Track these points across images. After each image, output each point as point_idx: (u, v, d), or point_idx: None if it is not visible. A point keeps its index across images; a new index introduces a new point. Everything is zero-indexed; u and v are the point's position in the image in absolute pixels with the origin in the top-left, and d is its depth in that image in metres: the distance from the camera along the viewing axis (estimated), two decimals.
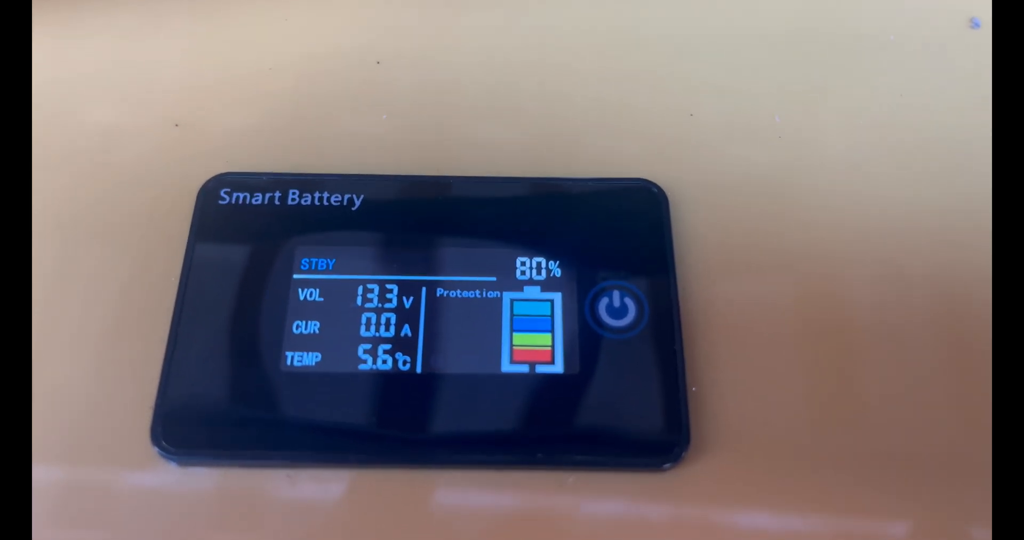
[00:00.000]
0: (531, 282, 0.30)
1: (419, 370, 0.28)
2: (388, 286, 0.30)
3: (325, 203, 0.31)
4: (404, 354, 0.29)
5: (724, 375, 0.29)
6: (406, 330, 0.29)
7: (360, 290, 0.30)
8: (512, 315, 0.29)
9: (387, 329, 0.29)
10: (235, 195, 0.31)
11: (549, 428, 0.28)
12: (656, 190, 0.32)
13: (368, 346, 0.29)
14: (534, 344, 0.29)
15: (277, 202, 0.31)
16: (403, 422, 0.28)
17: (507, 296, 0.30)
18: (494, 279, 0.30)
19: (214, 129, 0.34)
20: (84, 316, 0.30)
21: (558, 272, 0.30)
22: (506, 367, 0.29)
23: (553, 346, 0.29)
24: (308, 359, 0.29)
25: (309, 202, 0.31)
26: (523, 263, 0.30)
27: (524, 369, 0.29)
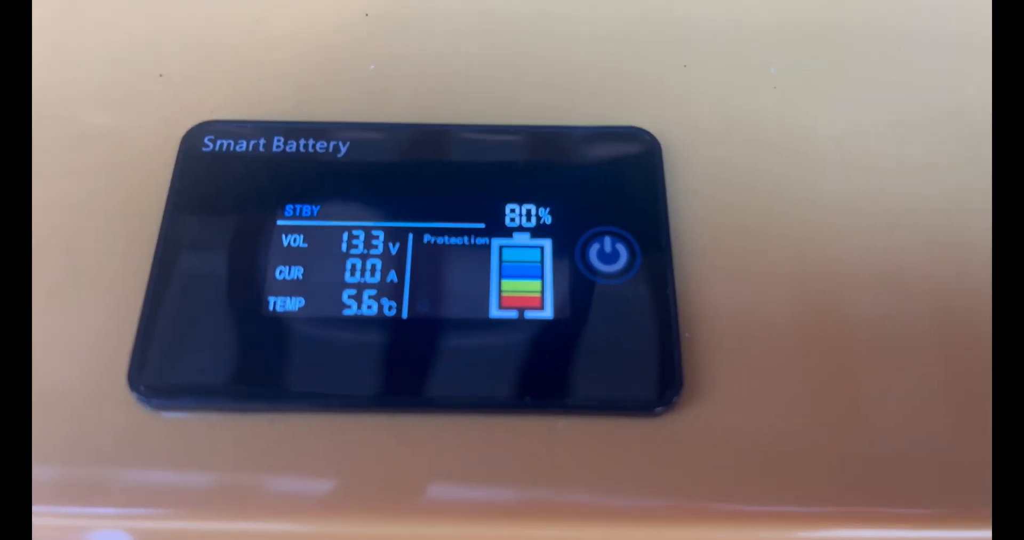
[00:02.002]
0: (521, 229, 0.29)
1: (405, 315, 0.28)
2: (374, 232, 0.29)
3: (310, 150, 0.31)
4: (390, 299, 0.28)
5: (717, 322, 0.28)
6: (392, 276, 0.28)
7: (345, 236, 0.29)
8: (501, 262, 0.29)
9: (372, 275, 0.28)
10: (219, 142, 0.31)
11: (539, 374, 0.27)
12: (648, 137, 0.31)
13: (353, 292, 0.28)
14: (524, 290, 0.28)
15: (262, 149, 0.31)
16: (389, 368, 0.27)
17: (496, 242, 0.29)
18: (483, 226, 0.29)
19: (199, 79, 0.33)
20: (65, 260, 0.29)
21: (548, 219, 0.30)
22: (494, 313, 0.28)
23: (543, 292, 0.28)
24: (291, 304, 0.28)
25: (294, 149, 0.31)
26: (512, 210, 0.30)
27: (513, 315, 0.28)
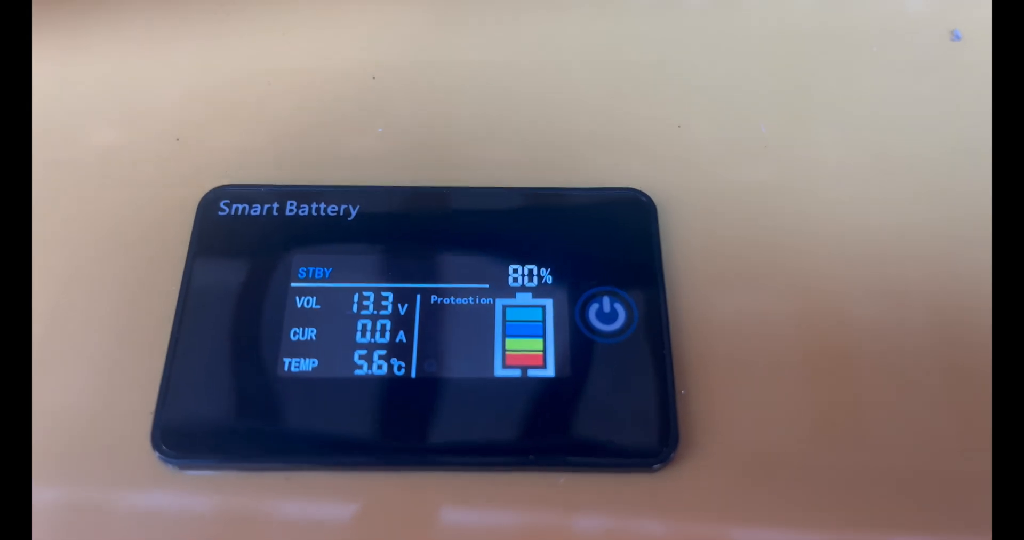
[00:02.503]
0: (523, 289, 0.31)
1: (414, 375, 0.29)
2: (383, 293, 0.31)
3: (322, 214, 0.32)
4: (399, 359, 0.29)
5: (712, 379, 0.30)
6: (401, 336, 0.30)
7: (356, 297, 0.30)
8: (505, 321, 0.30)
9: (382, 335, 0.30)
10: (234, 206, 0.32)
11: (542, 431, 0.28)
12: (645, 199, 0.33)
13: (364, 352, 0.29)
14: (526, 349, 0.30)
15: (275, 213, 0.32)
16: (398, 426, 0.28)
17: (500, 302, 0.31)
18: (487, 286, 0.31)
19: (214, 143, 0.35)
20: (87, 324, 0.30)
21: (549, 279, 0.31)
22: (499, 371, 0.29)
23: (545, 351, 0.30)
24: (305, 365, 0.29)
25: (307, 213, 0.32)
26: (515, 270, 0.31)
27: (517, 373, 0.29)
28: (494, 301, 0.31)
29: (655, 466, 0.28)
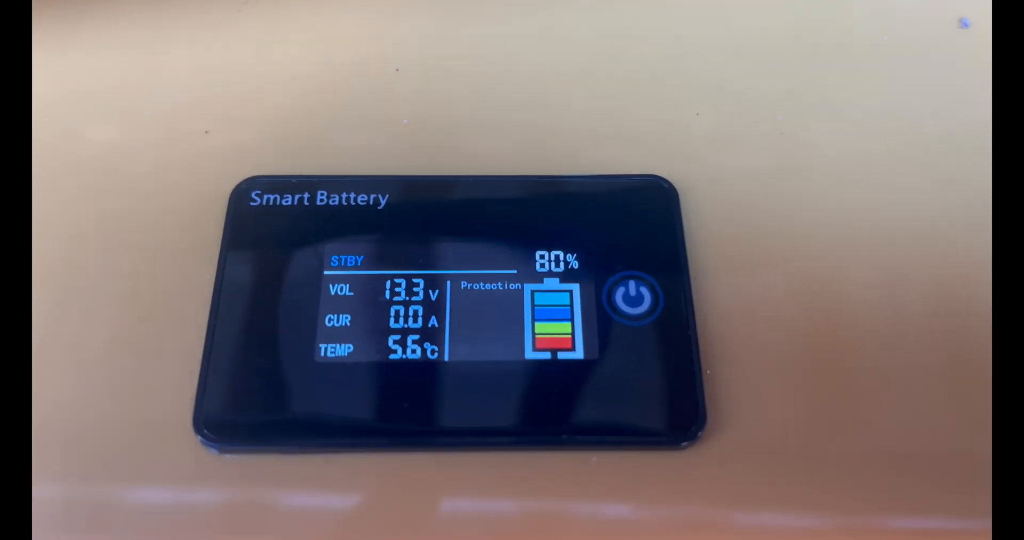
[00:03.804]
0: (550, 274, 0.32)
1: (447, 358, 0.30)
2: (415, 280, 0.31)
3: (352, 203, 0.33)
4: (432, 344, 0.30)
5: (736, 359, 0.31)
6: (433, 321, 0.31)
7: (388, 284, 0.31)
8: (533, 305, 0.31)
9: (415, 321, 0.31)
10: (266, 197, 0.33)
11: (572, 411, 0.29)
12: (667, 185, 0.34)
13: (397, 337, 0.30)
14: (555, 332, 0.31)
15: (307, 202, 0.33)
16: (433, 408, 0.29)
17: (528, 288, 0.31)
18: (515, 272, 0.32)
19: (243, 135, 0.35)
20: (127, 314, 0.31)
21: (575, 264, 0.32)
22: (529, 354, 0.30)
23: (573, 334, 0.31)
24: (341, 350, 0.30)
25: (337, 202, 0.33)
26: (542, 256, 0.32)
27: (547, 356, 0.30)
28: (523, 286, 0.31)
29: (683, 444, 0.29)
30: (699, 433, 0.29)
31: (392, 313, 0.31)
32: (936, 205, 0.34)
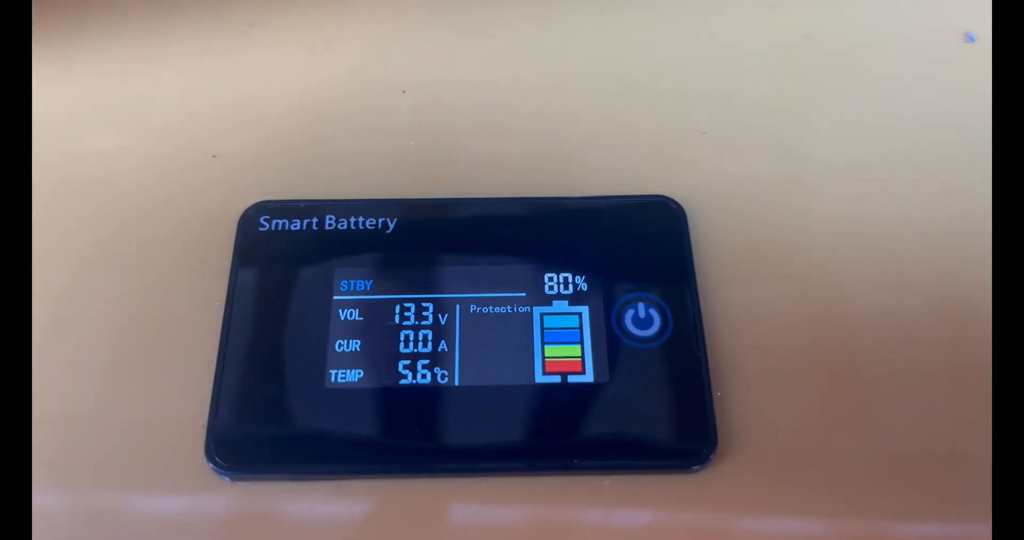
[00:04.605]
0: (559, 296, 0.32)
1: (457, 383, 0.30)
2: (424, 304, 0.31)
3: (360, 227, 0.33)
4: (442, 368, 0.30)
5: (747, 380, 0.31)
6: (443, 345, 0.31)
7: (397, 309, 0.31)
8: (543, 328, 0.31)
9: (425, 345, 0.31)
10: (274, 222, 0.33)
11: (583, 435, 0.29)
12: (674, 205, 0.34)
13: (408, 362, 0.30)
14: (565, 355, 0.31)
15: (315, 227, 0.33)
16: (444, 433, 0.29)
17: (537, 311, 0.31)
18: (524, 295, 0.32)
19: (249, 158, 0.35)
20: (137, 341, 0.31)
21: (584, 286, 0.32)
22: (539, 378, 0.30)
23: (583, 357, 0.31)
24: (351, 376, 0.30)
25: (345, 227, 0.33)
26: (551, 279, 0.32)
27: (556, 379, 0.30)
28: (531, 309, 0.31)
29: (695, 467, 0.29)
30: (711, 456, 0.29)
31: (402, 338, 0.31)
32: (942, 218, 0.34)
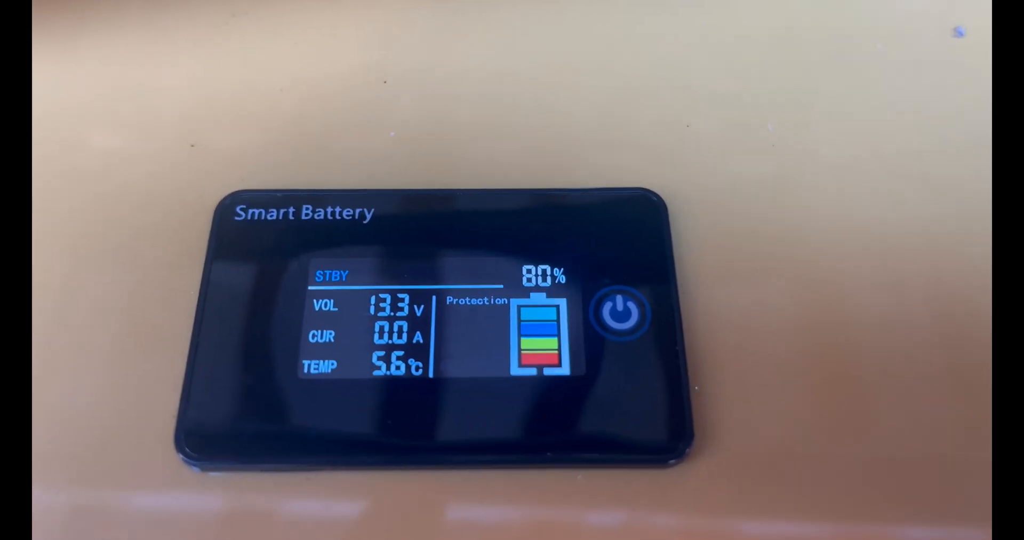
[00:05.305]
0: (537, 289, 0.31)
1: (431, 375, 0.30)
2: (400, 295, 0.31)
3: (337, 218, 0.33)
4: (417, 360, 0.30)
5: (725, 375, 0.30)
6: (418, 337, 0.30)
7: (373, 300, 0.31)
8: (520, 321, 0.31)
9: (399, 336, 0.30)
10: (251, 211, 0.33)
11: (558, 428, 0.29)
12: (655, 198, 0.33)
13: (382, 353, 0.30)
14: (541, 348, 0.30)
15: (291, 217, 0.33)
16: (417, 425, 0.29)
17: (514, 302, 0.31)
18: (501, 287, 0.31)
19: (228, 148, 0.35)
20: (108, 330, 0.31)
21: (563, 279, 0.32)
22: (515, 370, 0.30)
23: (560, 349, 0.30)
24: (324, 367, 0.30)
25: (322, 217, 0.33)
26: (529, 271, 0.32)
27: (532, 372, 0.30)
28: (509, 301, 0.31)
29: (670, 462, 0.28)
30: (687, 450, 0.28)
31: (376, 329, 0.30)
32: (930, 215, 0.34)
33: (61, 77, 0.37)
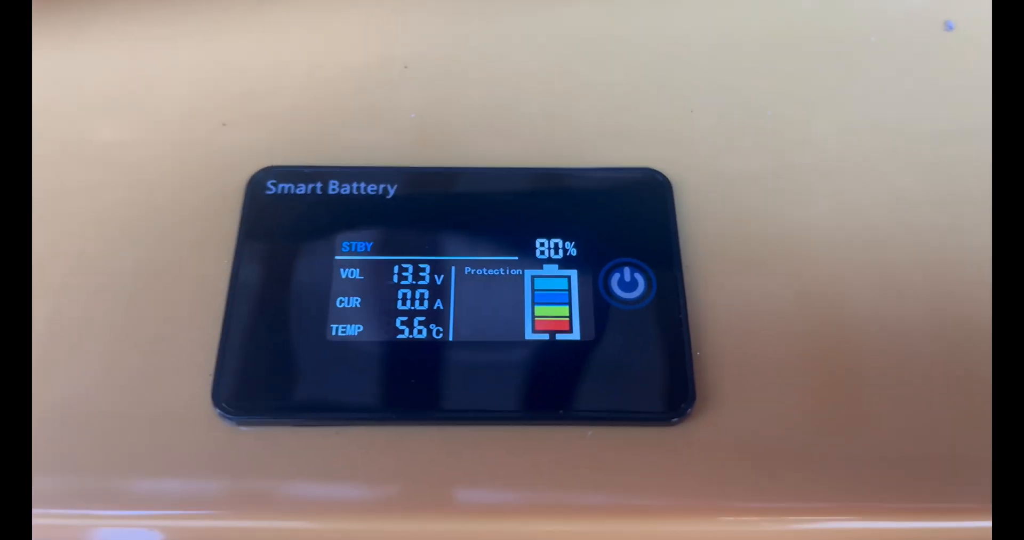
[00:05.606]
0: (549, 261, 0.33)
1: (451, 338, 0.32)
2: (421, 266, 0.33)
3: (362, 193, 0.35)
4: (437, 325, 0.32)
5: (725, 340, 0.32)
6: (438, 304, 0.32)
7: (396, 269, 0.33)
8: (533, 290, 0.33)
9: (421, 303, 0.32)
10: (281, 186, 0.35)
11: (569, 388, 0.31)
12: (661, 178, 0.35)
13: (405, 318, 0.32)
14: (554, 315, 0.32)
15: (319, 192, 0.35)
16: (437, 384, 0.31)
17: (528, 273, 0.33)
18: (516, 258, 0.33)
19: (259, 127, 0.37)
20: (151, 296, 0.33)
21: (573, 252, 0.34)
22: (529, 335, 0.32)
23: (571, 316, 0.32)
24: (351, 330, 0.32)
25: (348, 191, 0.35)
26: (542, 244, 0.34)
27: (545, 337, 0.32)
28: (523, 272, 0.33)
29: (674, 420, 0.31)
30: (688, 410, 0.31)
31: (400, 296, 0.32)
32: (930, 201, 0.36)
33: (94, 63, 0.39)
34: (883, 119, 0.38)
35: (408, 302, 0.32)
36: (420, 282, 0.33)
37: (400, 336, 0.32)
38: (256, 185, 0.35)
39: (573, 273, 0.33)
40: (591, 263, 0.33)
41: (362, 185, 0.35)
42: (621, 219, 0.34)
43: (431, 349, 0.32)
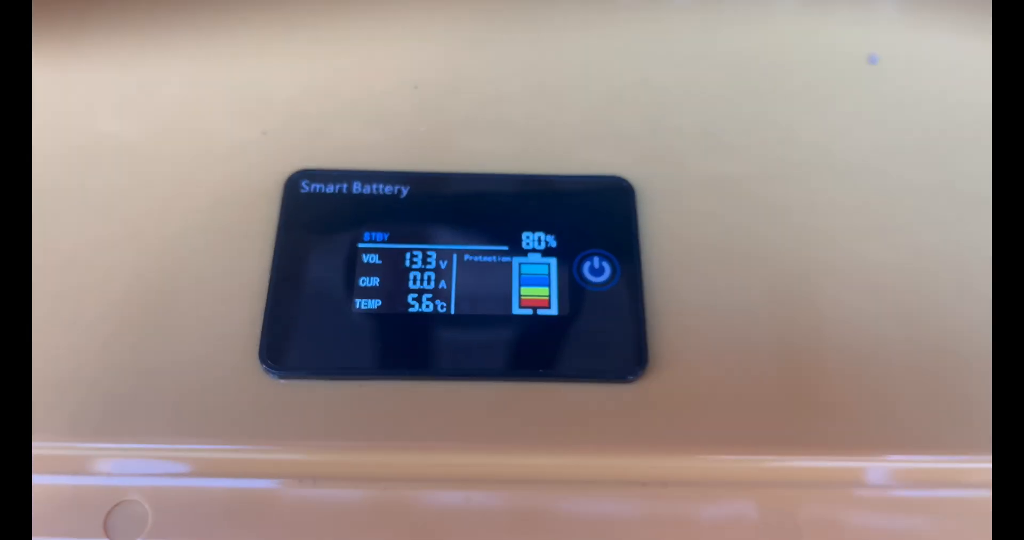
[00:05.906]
0: (533, 250, 0.41)
1: (453, 312, 0.39)
2: (428, 253, 0.40)
3: (380, 193, 0.42)
4: (442, 301, 0.39)
5: (677, 317, 0.39)
6: (443, 284, 0.40)
7: (408, 255, 0.40)
8: (520, 274, 0.40)
9: (428, 283, 0.40)
10: (313, 186, 0.42)
11: (548, 353, 0.38)
12: (626, 184, 0.43)
13: (415, 295, 0.39)
14: (536, 295, 0.40)
15: (344, 191, 0.42)
16: (441, 348, 0.38)
17: (516, 260, 0.40)
18: (506, 248, 0.41)
19: (294, 136, 0.44)
20: (209, 276, 0.40)
21: (553, 243, 0.41)
22: (516, 311, 0.39)
23: (550, 296, 0.40)
24: (372, 304, 0.39)
25: (369, 191, 0.42)
26: (527, 237, 0.41)
27: (529, 312, 0.39)
28: (512, 259, 0.40)
29: (629, 378, 0.38)
30: (641, 371, 0.38)
31: (411, 277, 0.40)
32: (886, 209, 0.42)
33: (164, 88, 0.46)
34: (862, 129, 0.44)
35: (418, 282, 0.40)
36: (428, 266, 0.40)
37: (411, 310, 0.39)
38: (292, 185, 0.42)
39: (553, 261, 0.41)
40: (567, 253, 0.41)
41: (380, 186, 0.42)
42: (593, 217, 0.42)
43: (436, 321, 0.39)
